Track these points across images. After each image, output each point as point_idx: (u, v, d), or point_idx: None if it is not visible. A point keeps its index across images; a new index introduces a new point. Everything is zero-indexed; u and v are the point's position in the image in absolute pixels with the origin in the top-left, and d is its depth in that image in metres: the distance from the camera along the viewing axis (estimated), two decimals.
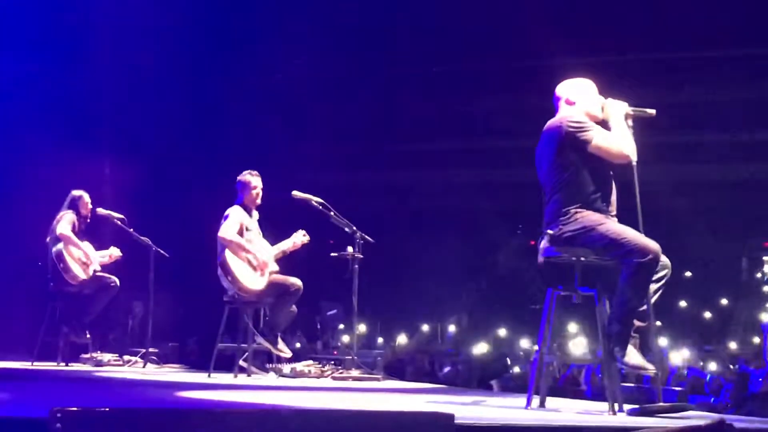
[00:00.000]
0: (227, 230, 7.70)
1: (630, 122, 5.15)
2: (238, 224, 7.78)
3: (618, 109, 5.16)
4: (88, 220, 9.02)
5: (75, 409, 3.07)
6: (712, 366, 8.73)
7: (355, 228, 8.10)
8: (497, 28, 13.05)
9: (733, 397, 7.65)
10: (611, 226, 5.00)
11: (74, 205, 8.93)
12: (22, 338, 9.32)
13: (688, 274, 14.07)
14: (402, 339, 11.33)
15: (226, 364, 8.10)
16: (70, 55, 11.39)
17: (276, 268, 7.98)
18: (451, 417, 3.54)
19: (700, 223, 14.07)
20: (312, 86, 13.61)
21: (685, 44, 13.70)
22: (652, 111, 5.20)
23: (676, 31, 13.31)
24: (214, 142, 12.10)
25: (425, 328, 13.28)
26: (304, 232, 8.19)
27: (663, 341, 10.40)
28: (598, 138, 5.01)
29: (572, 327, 11.79)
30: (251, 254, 7.77)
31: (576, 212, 5.01)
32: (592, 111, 5.18)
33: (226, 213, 7.84)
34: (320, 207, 8.06)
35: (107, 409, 3.19)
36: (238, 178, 8.03)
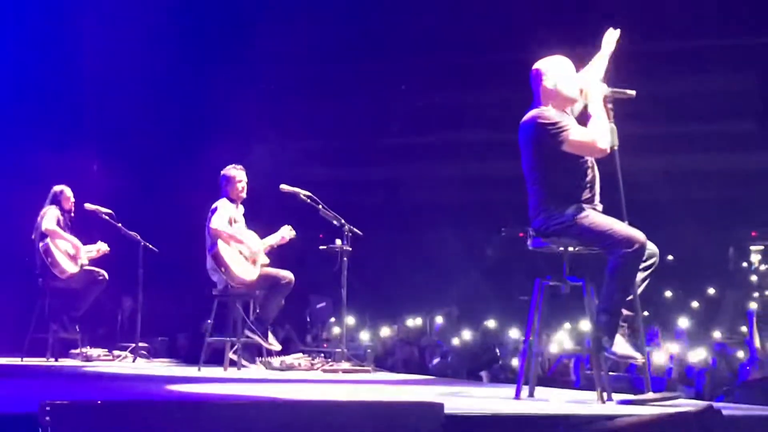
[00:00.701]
0: (218, 222, 7.71)
1: (610, 105, 5.10)
2: (227, 216, 7.79)
3: (597, 92, 5.05)
4: (73, 214, 9.01)
5: (64, 402, 3.07)
6: (702, 354, 8.78)
7: (343, 221, 8.10)
8: (485, 20, 13.06)
9: (707, 387, 7.70)
10: (595, 218, 4.98)
11: (56, 199, 8.92)
12: (11, 335, 9.29)
13: (673, 260, 14.13)
14: (385, 331, 11.34)
15: (216, 358, 8.10)
16: (56, 50, 11.35)
17: (266, 260, 8.00)
18: (440, 407, 3.56)
19: (687, 212, 14.11)
20: (300, 80, 13.60)
21: (672, 35, 13.73)
22: (632, 92, 5.09)
23: (660, 21, 13.34)
24: (201, 137, 12.08)
25: (418, 320, 13.30)
26: (290, 227, 8.21)
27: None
28: (573, 136, 4.92)
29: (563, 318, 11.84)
30: (243, 245, 7.79)
31: (558, 207, 5.00)
32: (571, 94, 5.10)
33: (214, 206, 7.84)
34: (308, 200, 8.06)
35: (97, 402, 3.19)
36: (222, 172, 8.03)
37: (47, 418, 3.02)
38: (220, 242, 7.66)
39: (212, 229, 7.70)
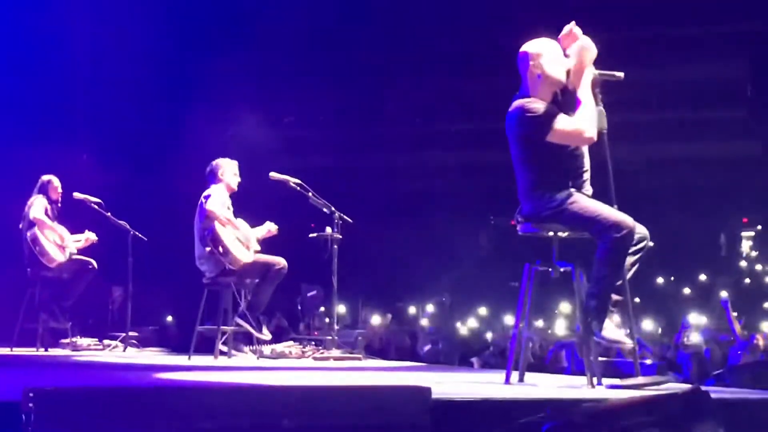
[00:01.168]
0: (215, 204, 7.67)
1: (598, 89, 5.05)
2: (222, 201, 7.77)
3: (585, 76, 4.99)
4: (60, 204, 8.98)
5: (48, 389, 3.04)
6: (693, 339, 8.80)
7: (333, 208, 8.07)
8: (479, 8, 13.05)
9: (694, 372, 7.71)
10: (584, 203, 4.94)
11: (44, 189, 8.90)
12: (1, 325, 9.26)
13: (665, 247, 14.16)
14: (376, 319, 11.34)
15: (207, 347, 8.07)
16: (44, 41, 11.30)
17: (258, 248, 7.97)
18: (428, 391, 3.54)
19: (679, 199, 14.13)
20: (292, 69, 13.57)
21: (663, 22, 13.73)
22: (620, 74, 5.04)
23: (651, 8, 13.33)
24: (190, 127, 12.04)
25: (411, 308, 13.30)
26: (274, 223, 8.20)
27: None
28: (558, 126, 4.88)
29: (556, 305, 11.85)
30: (238, 230, 7.77)
31: (547, 193, 4.97)
32: (558, 77, 5.04)
33: (207, 192, 7.81)
34: (298, 188, 8.04)
35: (80, 389, 3.17)
36: (216, 162, 7.99)
37: (30, 405, 2.99)
38: (216, 224, 7.63)
39: (209, 210, 7.66)
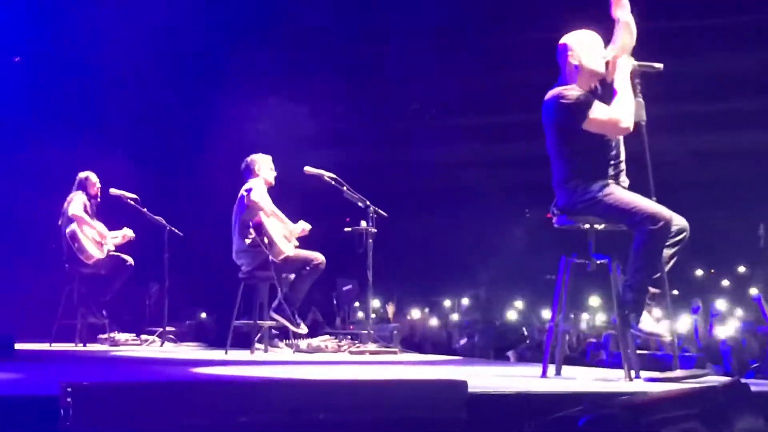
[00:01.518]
0: (260, 195, 7.69)
1: (637, 80, 5.02)
2: (263, 195, 7.81)
3: (624, 67, 4.97)
4: (98, 200, 9.06)
5: (85, 383, 3.06)
6: (731, 332, 8.72)
7: (368, 202, 8.06)
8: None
9: (735, 365, 7.64)
10: (619, 195, 4.90)
11: (82, 186, 9.00)
12: (40, 321, 9.37)
13: (704, 241, 14.02)
14: (416, 313, 11.33)
15: (243, 342, 8.10)
16: (81, 37, 11.38)
17: (297, 243, 7.99)
18: (464, 384, 3.53)
19: (717, 190, 13.98)
20: (325, 63, 13.56)
21: (704, 11, 13.59)
22: (659, 65, 5.01)
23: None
24: (226, 122, 12.08)
25: (447, 302, 13.28)
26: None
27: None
28: (593, 115, 4.84)
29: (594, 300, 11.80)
30: (282, 223, 7.79)
31: (582, 184, 4.93)
32: (596, 69, 5.01)
33: (249, 186, 7.82)
34: (333, 182, 8.03)
35: (117, 384, 3.19)
36: (249, 158, 8.00)
37: (68, 400, 3.01)
38: (262, 215, 7.64)
39: (254, 201, 7.68)
